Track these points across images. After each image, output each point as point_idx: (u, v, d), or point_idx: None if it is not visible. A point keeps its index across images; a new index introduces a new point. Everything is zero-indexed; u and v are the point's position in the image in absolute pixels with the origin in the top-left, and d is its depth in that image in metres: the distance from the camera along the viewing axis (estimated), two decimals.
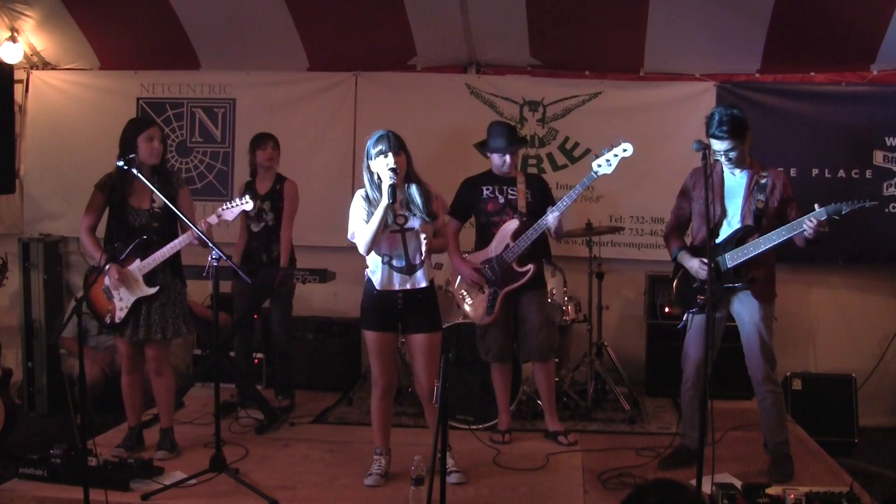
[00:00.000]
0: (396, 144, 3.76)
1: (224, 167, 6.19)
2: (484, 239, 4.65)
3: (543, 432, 4.67)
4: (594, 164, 4.36)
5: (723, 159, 3.91)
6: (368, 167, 3.82)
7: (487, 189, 4.63)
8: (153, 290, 4.11)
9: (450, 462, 3.93)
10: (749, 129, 3.90)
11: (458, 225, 4.77)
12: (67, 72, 6.27)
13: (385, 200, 3.70)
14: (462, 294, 4.67)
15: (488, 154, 4.68)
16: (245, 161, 5.68)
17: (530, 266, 4.52)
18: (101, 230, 4.31)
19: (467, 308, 4.66)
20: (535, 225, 4.44)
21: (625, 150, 4.29)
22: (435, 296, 4.01)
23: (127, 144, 4.14)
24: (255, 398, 4.98)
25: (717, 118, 3.84)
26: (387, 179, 3.70)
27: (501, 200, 4.59)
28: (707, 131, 3.88)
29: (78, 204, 6.19)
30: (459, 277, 4.69)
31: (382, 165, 3.75)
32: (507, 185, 4.61)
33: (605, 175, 4.35)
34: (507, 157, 4.58)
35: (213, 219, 4.07)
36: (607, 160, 4.32)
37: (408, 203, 3.86)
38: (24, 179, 6.30)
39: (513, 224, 4.52)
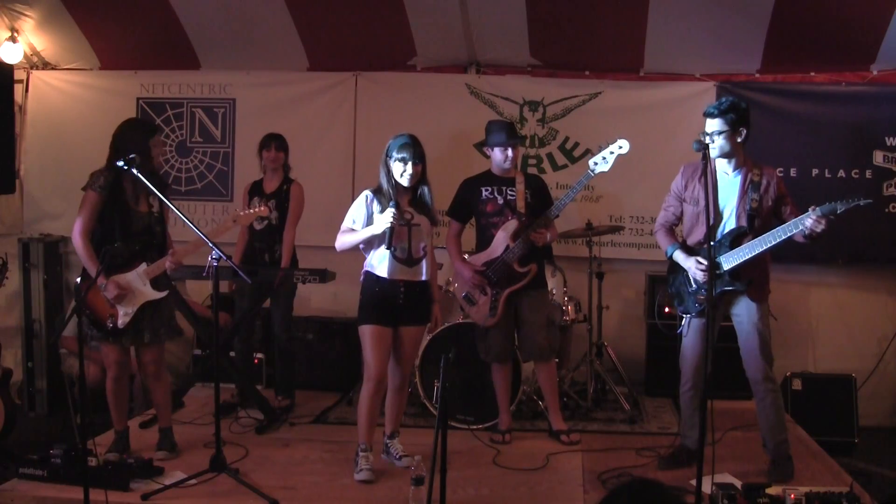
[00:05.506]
0: (418, 154, 3.94)
1: (224, 167, 6.19)
2: (484, 240, 4.64)
3: (545, 432, 4.67)
4: (591, 163, 4.40)
5: (709, 142, 3.77)
6: (386, 163, 3.98)
7: (486, 190, 4.62)
8: (161, 295, 4.09)
9: (399, 448, 4.16)
10: (744, 126, 3.82)
11: (458, 227, 4.75)
12: (67, 72, 6.27)
13: (376, 232, 3.89)
14: (465, 296, 4.67)
15: (489, 151, 4.65)
16: (245, 161, 5.67)
17: (531, 266, 4.52)
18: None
19: (470, 310, 4.66)
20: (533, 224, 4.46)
21: (620, 147, 4.33)
22: (430, 291, 4.13)
23: (135, 146, 4.02)
24: (255, 398, 4.98)
25: (717, 101, 3.92)
26: (385, 224, 3.85)
27: (500, 201, 4.57)
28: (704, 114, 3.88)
29: (78, 204, 6.24)
30: (461, 279, 4.68)
31: (393, 178, 3.95)
32: (506, 185, 4.59)
33: (602, 173, 4.39)
34: (510, 152, 4.55)
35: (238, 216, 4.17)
36: (604, 157, 4.36)
37: (418, 203, 4.04)
38: (24, 179, 6.30)
39: (512, 224, 4.51)
